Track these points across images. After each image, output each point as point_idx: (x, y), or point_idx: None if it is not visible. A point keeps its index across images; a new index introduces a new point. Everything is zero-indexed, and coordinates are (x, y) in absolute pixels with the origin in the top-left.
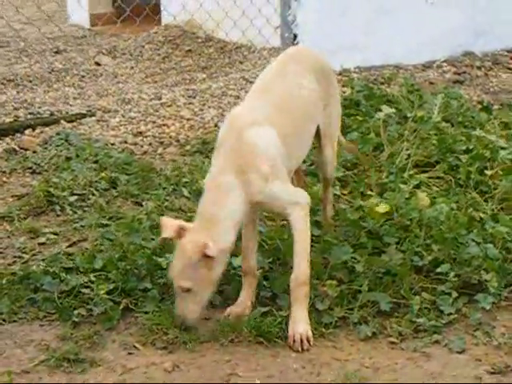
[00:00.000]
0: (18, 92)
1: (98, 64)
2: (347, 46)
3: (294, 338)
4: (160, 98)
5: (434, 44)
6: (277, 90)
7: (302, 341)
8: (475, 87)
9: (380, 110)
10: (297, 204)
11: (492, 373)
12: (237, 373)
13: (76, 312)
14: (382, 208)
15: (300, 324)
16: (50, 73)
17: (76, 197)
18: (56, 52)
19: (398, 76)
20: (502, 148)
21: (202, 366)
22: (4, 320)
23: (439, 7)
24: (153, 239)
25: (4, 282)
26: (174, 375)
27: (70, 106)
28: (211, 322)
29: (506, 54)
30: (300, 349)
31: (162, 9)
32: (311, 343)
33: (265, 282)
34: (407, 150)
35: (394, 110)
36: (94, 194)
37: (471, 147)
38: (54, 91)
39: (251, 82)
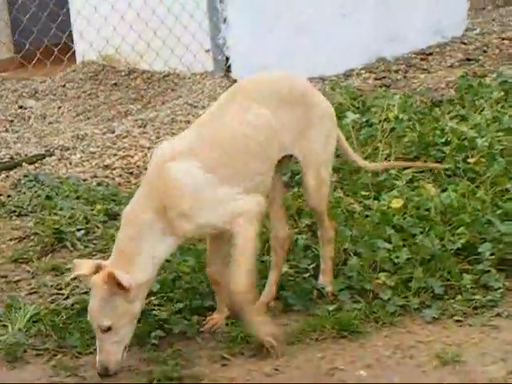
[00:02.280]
0: None
1: (22, 108)
2: (274, 63)
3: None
4: (113, 132)
5: (351, 53)
6: (212, 124)
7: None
8: (402, 89)
9: (345, 117)
10: (238, 217)
11: None
12: (337, 367)
13: (153, 334)
14: (397, 203)
15: (260, 334)
16: None
17: (82, 231)
18: None
19: (334, 85)
20: (475, 137)
21: (301, 366)
22: (80, 353)
23: (352, 18)
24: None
25: (64, 317)
26: (279, 378)
27: (25, 148)
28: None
29: (414, 56)
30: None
31: (75, 46)
32: (282, 341)
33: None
34: (383, 150)
35: (358, 116)
36: (98, 227)
37: (449, 139)
38: None
39: (195, 107)
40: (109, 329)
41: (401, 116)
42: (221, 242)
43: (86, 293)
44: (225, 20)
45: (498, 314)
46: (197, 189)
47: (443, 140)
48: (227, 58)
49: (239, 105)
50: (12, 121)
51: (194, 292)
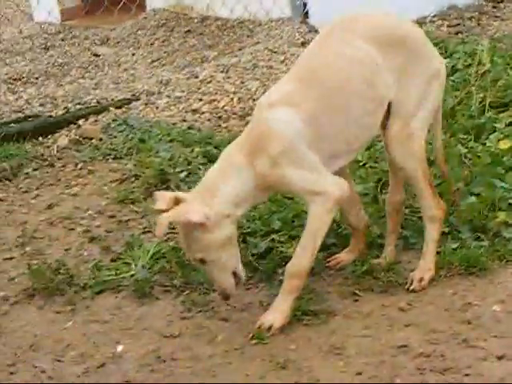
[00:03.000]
0: (36, 88)
1: (95, 55)
2: (352, 10)
3: (259, 324)
4: (197, 77)
5: (423, 0)
6: (309, 64)
7: (268, 329)
8: (478, 36)
9: None
10: (317, 194)
11: None
12: (470, 302)
13: (280, 271)
14: (504, 144)
15: (273, 313)
16: (52, 68)
17: (185, 173)
18: (45, 48)
19: None
20: None
21: (434, 302)
22: (207, 289)
23: None
24: None
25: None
26: (414, 312)
27: (105, 93)
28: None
29: (485, 3)
30: (259, 339)
31: None
32: (274, 332)
33: None
34: (477, 93)
35: (448, 60)
36: (199, 168)
37: None
38: (68, 84)
39: (276, 52)
40: (203, 261)
41: (494, 60)
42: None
43: None
44: None
45: None
46: (293, 141)
47: None
48: (305, 4)
49: (338, 39)
50: (86, 68)
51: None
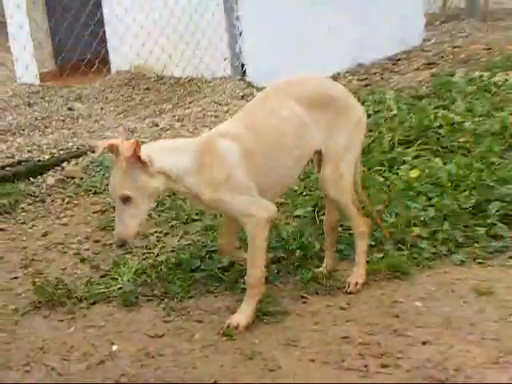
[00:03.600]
0: (23, 138)
1: (70, 109)
2: (280, 69)
3: (228, 323)
4: (157, 125)
5: (337, 60)
6: (251, 117)
7: (235, 328)
8: (383, 87)
9: None
10: (251, 216)
11: None
12: (396, 300)
13: (242, 280)
14: (414, 173)
15: (238, 315)
16: (35, 121)
17: (155, 203)
18: (28, 105)
19: None
20: (462, 122)
21: (367, 301)
22: (183, 297)
23: (338, 33)
24: None
25: (163, 269)
26: (353, 310)
27: (82, 141)
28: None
29: (386, 62)
30: (228, 336)
31: (110, 59)
32: (241, 330)
33: None
34: (387, 133)
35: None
36: (166, 199)
37: (442, 124)
38: (50, 134)
39: (220, 104)
40: (128, 200)
41: (399, 106)
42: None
43: (172, 251)
44: (240, 34)
45: (510, 257)
46: (234, 166)
47: (437, 124)
48: (243, 65)
49: (275, 100)
50: (64, 120)
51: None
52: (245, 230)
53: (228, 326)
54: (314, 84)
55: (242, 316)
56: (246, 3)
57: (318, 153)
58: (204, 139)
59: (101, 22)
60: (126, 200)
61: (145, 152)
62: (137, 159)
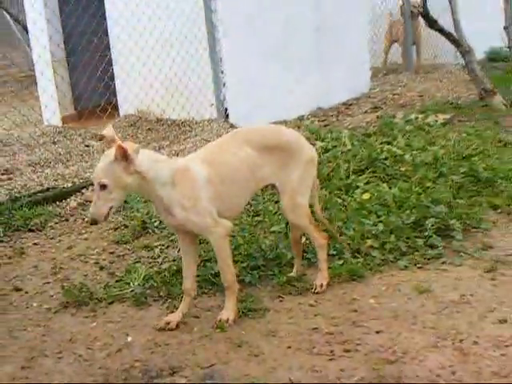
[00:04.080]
0: (50, 169)
1: (87, 146)
2: (254, 113)
3: (219, 318)
4: None
5: (301, 105)
6: (215, 155)
7: (225, 322)
8: (338, 127)
9: (315, 144)
10: (213, 233)
11: (487, 271)
12: (355, 298)
13: None
14: (366, 196)
15: (226, 311)
16: (59, 156)
17: (158, 222)
18: (53, 143)
19: (294, 126)
20: (403, 154)
21: (331, 299)
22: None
23: (301, 82)
24: None
25: (167, 275)
26: (320, 306)
27: None
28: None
29: (340, 106)
30: (221, 329)
31: (119, 105)
32: (230, 323)
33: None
34: (344, 164)
35: (321, 143)
36: None
37: (387, 156)
38: (71, 166)
39: (208, 141)
40: (104, 187)
41: (352, 142)
42: (193, 264)
43: (174, 260)
44: (224, 84)
45: (444, 262)
46: (201, 192)
47: (383, 156)
48: (226, 109)
49: (235, 144)
50: (82, 155)
51: (249, 256)
52: (211, 242)
53: (220, 321)
54: (267, 132)
55: (228, 312)
56: (229, 60)
57: (274, 186)
58: (181, 161)
59: (112, 76)
60: (103, 186)
61: (132, 152)
62: (124, 156)
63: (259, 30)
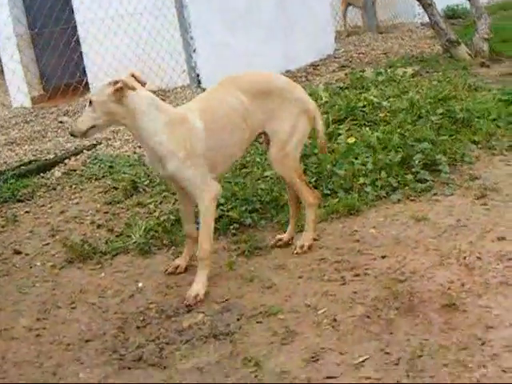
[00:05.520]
0: (27, 146)
1: (61, 122)
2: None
3: (187, 295)
4: None
5: (269, 69)
6: (207, 102)
7: (194, 298)
8: (309, 85)
9: None
10: (203, 192)
11: (478, 198)
12: (356, 229)
13: (231, 227)
14: (351, 140)
15: (195, 286)
16: (34, 134)
17: (147, 181)
18: (26, 122)
19: None
20: (380, 102)
21: (331, 233)
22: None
23: (269, 48)
24: None
25: (167, 225)
26: (323, 240)
27: (76, 144)
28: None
29: (308, 67)
30: (192, 304)
31: (90, 82)
32: (200, 300)
33: None
34: (325, 114)
35: None
36: (156, 178)
37: (365, 104)
38: (48, 142)
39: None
40: (91, 103)
41: (329, 94)
42: (189, 205)
43: (170, 212)
44: (194, 51)
45: (435, 194)
46: (196, 142)
47: (361, 105)
48: (198, 75)
49: (225, 90)
50: (57, 131)
51: (246, 200)
52: (198, 205)
53: (188, 296)
54: (258, 78)
55: (199, 286)
56: (197, 26)
57: (265, 134)
58: (180, 111)
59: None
60: (90, 102)
61: (139, 91)
62: (115, 83)
63: None
